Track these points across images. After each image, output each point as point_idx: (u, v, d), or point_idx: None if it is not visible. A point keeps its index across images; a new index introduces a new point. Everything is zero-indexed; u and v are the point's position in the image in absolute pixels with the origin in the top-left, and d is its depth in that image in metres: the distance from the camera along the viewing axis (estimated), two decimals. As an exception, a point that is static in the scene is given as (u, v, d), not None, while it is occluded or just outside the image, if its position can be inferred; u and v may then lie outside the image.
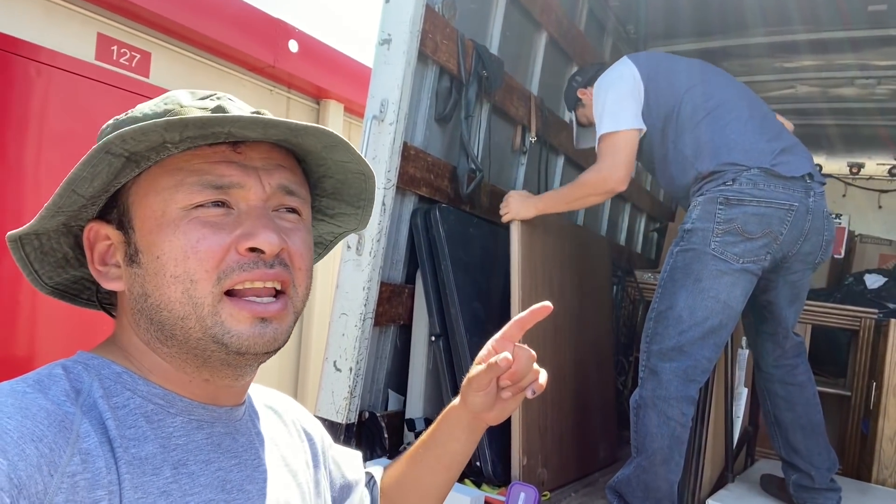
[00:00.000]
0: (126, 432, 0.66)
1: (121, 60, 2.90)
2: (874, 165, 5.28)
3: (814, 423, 2.28)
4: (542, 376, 0.90)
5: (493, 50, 2.78)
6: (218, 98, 0.74)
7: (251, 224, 0.69)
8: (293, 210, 0.76)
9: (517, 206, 2.39)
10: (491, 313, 2.46)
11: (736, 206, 2.02)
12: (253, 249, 0.69)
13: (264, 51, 3.50)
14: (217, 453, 0.74)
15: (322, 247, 0.94)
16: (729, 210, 2.02)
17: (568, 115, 2.98)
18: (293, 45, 3.60)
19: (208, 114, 0.68)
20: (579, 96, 2.68)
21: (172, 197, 0.69)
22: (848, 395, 3.12)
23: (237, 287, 0.69)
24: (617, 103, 2.26)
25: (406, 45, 2.15)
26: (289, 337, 0.74)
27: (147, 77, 3.05)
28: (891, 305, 3.66)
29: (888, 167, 5.23)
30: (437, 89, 2.50)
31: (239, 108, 0.74)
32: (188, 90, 0.76)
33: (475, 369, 0.91)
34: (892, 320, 2.73)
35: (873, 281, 3.88)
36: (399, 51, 2.16)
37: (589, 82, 2.61)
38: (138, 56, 2.98)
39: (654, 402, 2.03)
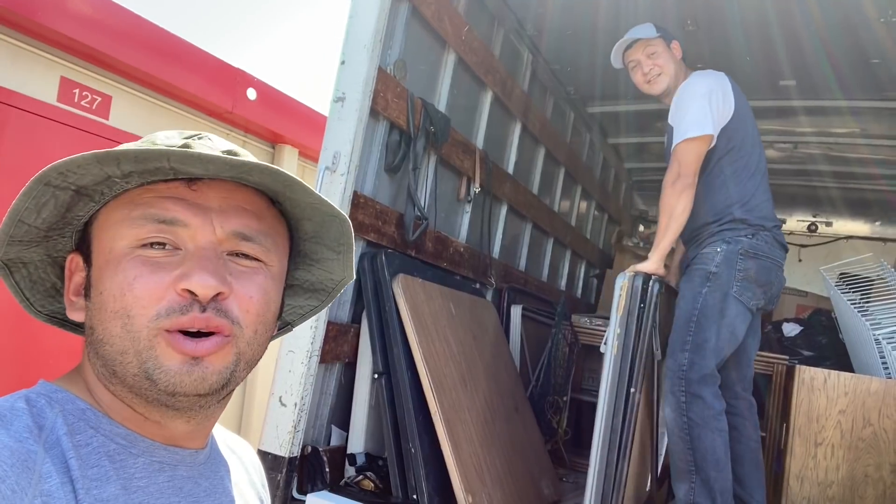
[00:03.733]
0: (88, 472, 0.65)
1: (82, 103, 3.00)
2: (795, 222, 5.72)
3: (758, 459, 2.72)
4: None
5: (441, 107, 2.99)
6: (199, 138, 0.72)
7: (190, 265, 0.67)
8: (252, 256, 0.73)
9: (642, 266, 2.56)
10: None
11: (752, 258, 2.52)
12: (189, 291, 0.67)
13: (224, 97, 3.65)
14: (178, 497, 0.72)
15: (325, 293, 0.91)
16: (746, 261, 2.51)
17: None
18: (251, 93, 3.77)
19: (161, 148, 0.67)
20: (662, 36, 2.81)
21: (119, 232, 0.68)
22: (763, 437, 3.34)
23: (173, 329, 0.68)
24: (707, 107, 2.54)
25: (359, 103, 2.34)
26: (228, 380, 0.71)
27: (107, 119, 3.16)
28: (805, 352, 3.95)
29: (807, 224, 5.68)
30: (387, 142, 2.69)
31: (210, 147, 0.71)
32: (178, 130, 0.75)
33: None
34: (798, 366, 2.97)
35: (790, 329, 4.18)
36: (352, 108, 2.34)
37: (667, 37, 2.83)
38: (99, 99, 3.09)
39: (705, 420, 2.41)
